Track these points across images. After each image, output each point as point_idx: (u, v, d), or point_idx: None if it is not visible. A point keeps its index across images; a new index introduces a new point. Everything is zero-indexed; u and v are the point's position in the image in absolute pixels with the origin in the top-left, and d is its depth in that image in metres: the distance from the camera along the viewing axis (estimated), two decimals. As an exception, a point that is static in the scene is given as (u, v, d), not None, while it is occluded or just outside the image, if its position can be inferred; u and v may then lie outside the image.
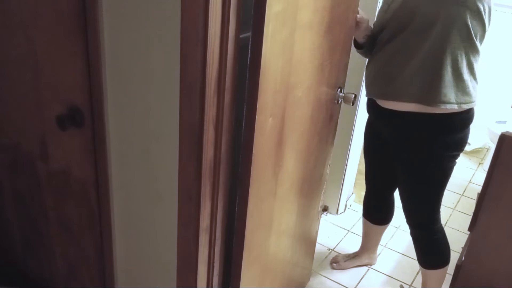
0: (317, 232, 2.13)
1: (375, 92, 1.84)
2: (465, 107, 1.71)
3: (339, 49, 1.62)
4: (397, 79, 1.72)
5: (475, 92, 1.73)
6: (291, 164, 1.57)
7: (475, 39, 1.64)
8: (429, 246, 1.99)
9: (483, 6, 1.60)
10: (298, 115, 1.49)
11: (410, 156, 1.84)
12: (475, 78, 1.72)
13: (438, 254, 1.99)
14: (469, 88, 1.70)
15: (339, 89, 1.73)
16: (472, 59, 1.68)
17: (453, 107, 1.68)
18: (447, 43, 1.63)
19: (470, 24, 1.61)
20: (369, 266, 2.41)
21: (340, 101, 1.76)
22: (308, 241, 2.04)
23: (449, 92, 1.67)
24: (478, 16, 1.61)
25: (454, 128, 1.75)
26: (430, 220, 1.92)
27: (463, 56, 1.65)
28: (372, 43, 1.86)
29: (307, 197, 1.83)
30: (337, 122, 1.88)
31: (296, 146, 1.56)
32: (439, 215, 1.93)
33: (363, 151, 2.14)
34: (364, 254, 2.39)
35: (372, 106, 1.91)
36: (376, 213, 2.25)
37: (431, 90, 1.68)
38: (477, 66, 1.71)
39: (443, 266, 1.99)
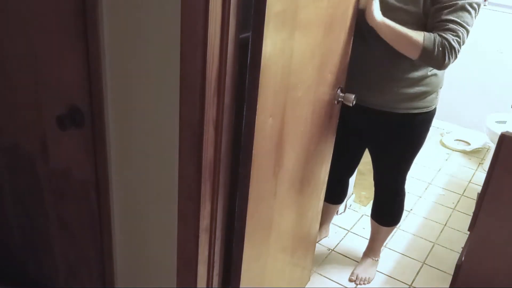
0: (317, 232, 2.13)
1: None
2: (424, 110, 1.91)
3: (339, 49, 1.62)
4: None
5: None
6: (291, 164, 1.57)
7: None
8: (393, 206, 2.21)
9: None
10: (298, 115, 1.49)
11: (386, 138, 2.01)
12: None
13: (397, 215, 2.24)
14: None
15: (339, 89, 1.73)
16: None
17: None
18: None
19: None
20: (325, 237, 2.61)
21: (340, 101, 1.75)
22: (308, 241, 2.04)
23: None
24: None
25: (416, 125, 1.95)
26: (400, 183, 2.13)
27: None
28: None
29: (307, 197, 1.83)
30: (337, 122, 1.88)
31: (296, 146, 1.56)
32: (405, 179, 2.16)
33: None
34: (321, 230, 2.55)
35: None
36: (337, 196, 2.48)
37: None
38: None
39: (395, 225, 2.29)
